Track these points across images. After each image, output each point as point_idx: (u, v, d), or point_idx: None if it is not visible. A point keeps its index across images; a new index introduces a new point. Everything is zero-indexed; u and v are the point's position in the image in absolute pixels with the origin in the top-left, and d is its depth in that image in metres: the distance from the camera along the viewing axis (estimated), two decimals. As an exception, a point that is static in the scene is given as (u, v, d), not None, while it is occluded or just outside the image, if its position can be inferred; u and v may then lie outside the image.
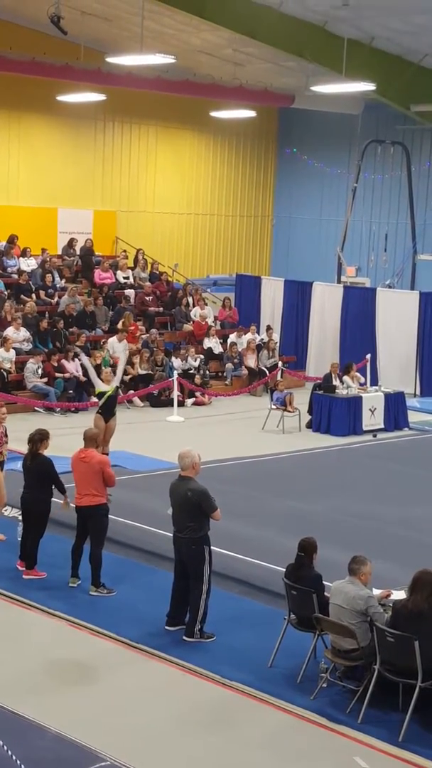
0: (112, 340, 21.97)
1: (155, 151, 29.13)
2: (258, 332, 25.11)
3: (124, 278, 25.68)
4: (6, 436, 12.43)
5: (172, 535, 9.82)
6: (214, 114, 27.39)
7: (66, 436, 15.82)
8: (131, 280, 25.82)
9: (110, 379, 14.65)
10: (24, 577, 11.00)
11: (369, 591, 8.49)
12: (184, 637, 9.53)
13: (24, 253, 24.48)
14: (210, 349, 24.05)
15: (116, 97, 25.52)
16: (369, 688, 8.16)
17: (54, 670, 8.98)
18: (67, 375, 20.49)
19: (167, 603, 9.82)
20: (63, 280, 24.65)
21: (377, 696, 8.18)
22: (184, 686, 8.73)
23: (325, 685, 8.54)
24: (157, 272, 26.65)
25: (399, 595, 8.83)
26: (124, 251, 27.18)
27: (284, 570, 9.24)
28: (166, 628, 9.73)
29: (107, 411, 14.42)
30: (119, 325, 22.46)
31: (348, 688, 8.47)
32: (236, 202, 31.50)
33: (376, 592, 8.75)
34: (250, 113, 27.56)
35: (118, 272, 25.70)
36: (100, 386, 14.58)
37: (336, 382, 19.85)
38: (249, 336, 24.46)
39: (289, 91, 26.67)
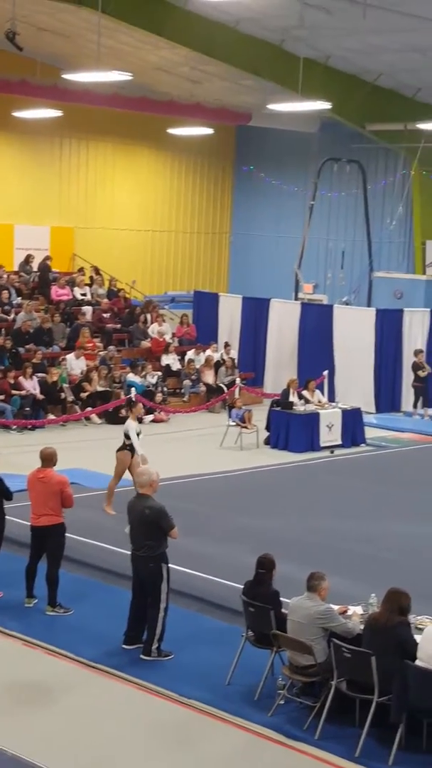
0: (70, 357, 21.94)
1: (113, 168, 29.13)
2: (217, 349, 25.13)
3: (82, 295, 25.62)
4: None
5: (129, 553, 9.78)
6: (172, 131, 27.46)
7: (23, 454, 15.74)
8: (89, 296, 25.76)
9: (142, 417, 14.25)
10: (-21, 596, 10.90)
11: (328, 605, 8.51)
12: (142, 656, 9.48)
13: (-20, 270, 24.36)
14: (168, 365, 24.03)
15: (73, 113, 25.52)
16: (326, 704, 8.17)
17: (10, 690, 8.88)
18: (23, 392, 20.35)
19: (125, 621, 9.77)
20: (19, 297, 24.53)
21: (334, 712, 8.19)
22: (141, 705, 8.67)
23: (282, 702, 8.53)
24: (115, 289, 26.62)
25: (356, 610, 8.86)
26: (81, 268, 27.12)
27: (242, 587, 9.23)
28: (124, 646, 9.68)
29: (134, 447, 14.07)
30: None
31: (305, 705, 8.47)
32: (194, 219, 31.55)
33: (334, 608, 8.76)
34: (208, 131, 27.68)
35: (75, 289, 25.64)
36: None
37: (294, 398, 19.90)
38: (209, 353, 24.48)
39: (246, 109, 26.81)
